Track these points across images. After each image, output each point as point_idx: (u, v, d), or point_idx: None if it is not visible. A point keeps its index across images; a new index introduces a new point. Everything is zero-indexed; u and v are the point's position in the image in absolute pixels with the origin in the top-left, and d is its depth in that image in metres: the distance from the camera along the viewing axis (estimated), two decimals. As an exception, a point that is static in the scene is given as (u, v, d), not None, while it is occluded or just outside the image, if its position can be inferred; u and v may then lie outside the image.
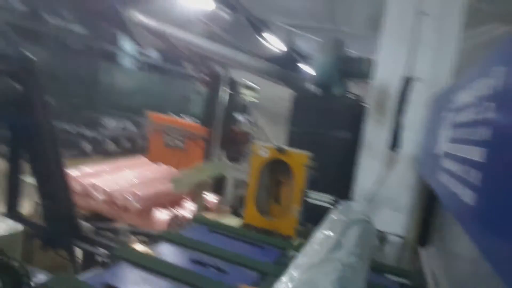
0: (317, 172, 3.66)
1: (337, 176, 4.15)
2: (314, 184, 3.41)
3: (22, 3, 11.28)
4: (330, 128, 4.34)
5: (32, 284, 0.93)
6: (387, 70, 3.76)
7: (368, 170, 3.82)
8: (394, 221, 3.67)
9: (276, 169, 3.18)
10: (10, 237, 0.81)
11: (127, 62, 14.98)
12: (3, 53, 3.17)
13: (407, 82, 3.62)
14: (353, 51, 6.17)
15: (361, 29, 7.45)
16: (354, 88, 5.26)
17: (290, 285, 1.27)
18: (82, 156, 8.85)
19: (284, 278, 1.33)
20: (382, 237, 3.60)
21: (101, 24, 14.20)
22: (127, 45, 14.77)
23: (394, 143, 3.66)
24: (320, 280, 1.27)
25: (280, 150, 3.03)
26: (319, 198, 3.13)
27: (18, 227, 0.89)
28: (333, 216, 2.05)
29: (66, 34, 12.72)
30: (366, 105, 4.10)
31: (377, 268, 2.33)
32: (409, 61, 3.61)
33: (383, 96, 3.79)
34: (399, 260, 3.63)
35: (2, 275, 0.80)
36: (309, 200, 3.10)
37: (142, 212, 4.04)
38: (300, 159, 3.03)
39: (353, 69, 4.62)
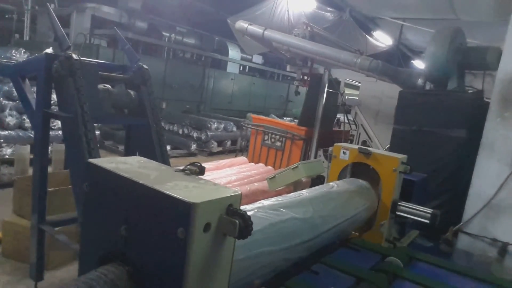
0: (424, 175, 3.27)
1: (448, 179, 3.74)
2: (423, 190, 3.04)
3: (143, 21, 12.68)
4: (441, 126, 3.90)
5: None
6: (517, 57, 3.24)
7: (488, 173, 3.34)
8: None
9: (361, 175, 2.71)
10: (235, 196, 1.02)
11: (231, 68, 15.79)
12: (121, 65, 3.53)
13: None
14: (474, 41, 5.53)
15: (485, 16, 6.64)
16: (474, 82, 4.69)
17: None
18: (189, 155, 9.47)
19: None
20: (502, 249, 3.09)
21: (209, 35, 15.23)
22: (232, 52, 15.56)
23: (525, 141, 3.10)
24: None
25: (364, 152, 2.58)
26: (413, 212, 2.51)
27: (239, 190, 1.09)
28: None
29: (178, 46, 13.93)
30: (487, 100, 3.61)
31: (496, 283, 2.00)
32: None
33: (511, 88, 3.28)
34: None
35: (237, 218, 1.01)
36: (401, 213, 2.56)
37: (239, 209, 4.09)
38: (389, 163, 2.52)
39: (474, 60, 4.10)
